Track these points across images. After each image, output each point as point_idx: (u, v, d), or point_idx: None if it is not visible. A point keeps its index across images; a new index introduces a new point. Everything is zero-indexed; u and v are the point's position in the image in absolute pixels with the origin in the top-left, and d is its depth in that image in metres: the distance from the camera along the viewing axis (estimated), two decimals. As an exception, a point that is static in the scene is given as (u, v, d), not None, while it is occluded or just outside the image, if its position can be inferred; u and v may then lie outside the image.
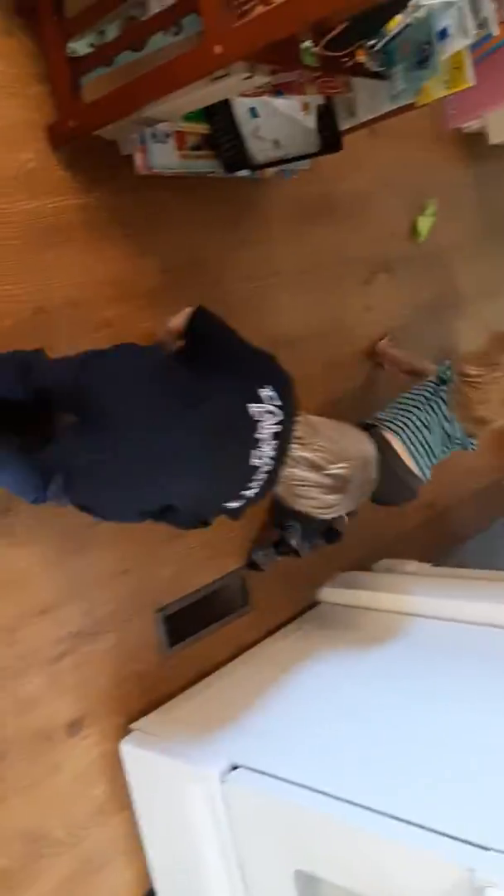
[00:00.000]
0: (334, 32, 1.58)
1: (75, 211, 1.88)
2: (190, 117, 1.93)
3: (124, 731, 1.91)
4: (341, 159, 2.57)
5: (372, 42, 1.72)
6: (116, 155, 1.93)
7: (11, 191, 1.77)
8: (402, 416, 2.24)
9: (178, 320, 1.73)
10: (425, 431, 2.24)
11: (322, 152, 2.14)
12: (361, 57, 1.72)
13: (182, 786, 1.71)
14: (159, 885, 1.93)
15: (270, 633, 2.26)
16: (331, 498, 1.61)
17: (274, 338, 2.32)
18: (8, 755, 1.76)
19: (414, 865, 1.38)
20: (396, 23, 1.64)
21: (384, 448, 2.14)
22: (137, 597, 1.99)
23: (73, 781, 1.88)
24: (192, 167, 1.98)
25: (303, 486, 1.59)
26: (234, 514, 1.61)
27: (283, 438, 1.55)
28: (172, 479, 1.52)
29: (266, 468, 1.54)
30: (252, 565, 2.25)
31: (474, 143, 3.16)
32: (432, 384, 2.30)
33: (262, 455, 1.53)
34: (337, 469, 1.58)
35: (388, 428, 2.21)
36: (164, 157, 1.91)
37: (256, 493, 1.57)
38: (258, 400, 1.53)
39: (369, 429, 2.15)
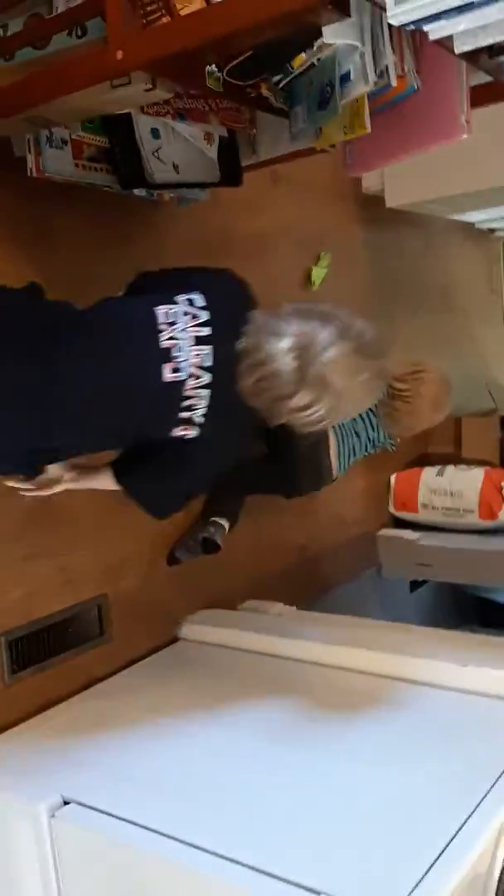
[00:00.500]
0: (239, 59, 1.59)
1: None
2: (89, 128, 1.90)
3: (-48, 761, 1.77)
4: (243, 200, 2.61)
5: (277, 77, 1.76)
6: (10, 156, 1.87)
7: None
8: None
9: None
10: (354, 438, 2.40)
11: (222, 184, 2.15)
12: (265, 90, 1.74)
13: (8, 819, 1.57)
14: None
15: (124, 667, 2.16)
16: (308, 397, 1.36)
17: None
18: None
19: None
20: (301, 60, 1.68)
21: (322, 441, 2.30)
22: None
23: None
24: (88, 178, 1.94)
25: (272, 381, 1.36)
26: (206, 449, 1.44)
27: (215, 342, 1.40)
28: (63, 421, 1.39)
29: (198, 382, 1.39)
30: (172, 560, 2.37)
31: (373, 205, 3.28)
32: None
33: (181, 365, 1.38)
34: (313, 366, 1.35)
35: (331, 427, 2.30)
36: (58, 163, 1.87)
37: (207, 420, 1.40)
38: (169, 303, 1.40)
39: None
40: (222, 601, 2.50)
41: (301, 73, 1.72)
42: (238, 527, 2.58)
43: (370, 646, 2.02)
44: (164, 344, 1.39)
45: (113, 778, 1.62)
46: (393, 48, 1.67)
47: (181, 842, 1.40)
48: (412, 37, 1.71)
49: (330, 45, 1.58)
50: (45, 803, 1.54)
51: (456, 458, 3.49)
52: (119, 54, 1.43)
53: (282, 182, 2.79)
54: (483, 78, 1.82)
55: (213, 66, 1.61)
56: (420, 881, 1.27)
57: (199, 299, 1.44)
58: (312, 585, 2.97)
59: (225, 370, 1.40)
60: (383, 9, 1.29)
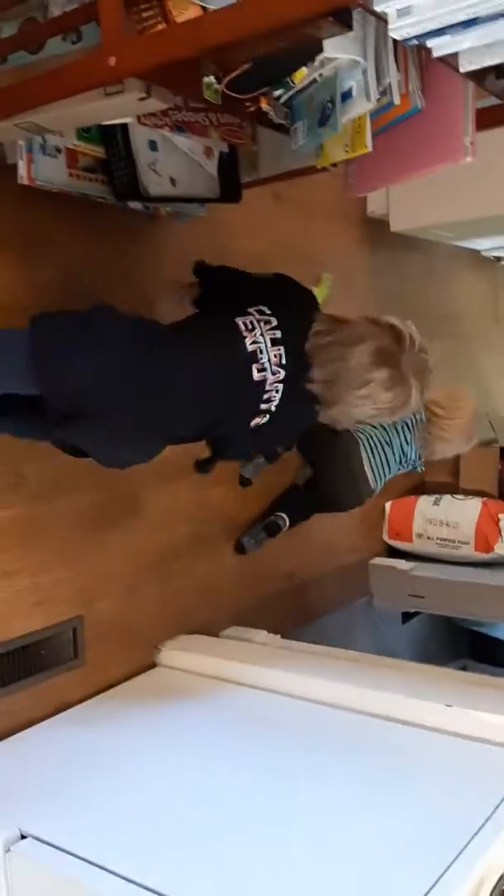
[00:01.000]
0: (238, 72, 1.54)
1: None
2: (85, 137, 1.86)
3: None
4: (242, 218, 2.56)
5: (278, 92, 1.71)
6: (3, 164, 1.82)
7: None
8: (371, 429, 2.48)
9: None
10: (387, 448, 2.49)
11: (221, 200, 2.10)
12: (265, 105, 1.70)
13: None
14: None
15: (99, 692, 2.09)
16: (388, 395, 1.57)
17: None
18: None
19: None
20: (302, 75, 1.63)
21: (352, 452, 2.44)
22: None
23: None
24: (81, 188, 1.89)
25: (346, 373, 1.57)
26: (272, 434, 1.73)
27: (286, 341, 1.61)
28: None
29: (277, 377, 1.61)
30: (239, 548, 2.56)
31: (377, 229, 3.24)
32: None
33: (265, 365, 1.60)
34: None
35: (358, 436, 2.46)
36: (51, 172, 1.82)
37: (278, 410, 1.64)
38: (245, 315, 1.61)
39: (339, 432, 2.35)
40: (205, 627, 2.43)
41: (302, 88, 1.67)
42: (225, 550, 2.53)
43: (352, 681, 1.95)
44: (250, 348, 1.60)
45: (75, 812, 1.55)
46: (397, 66, 1.63)
47: (138, 885, 1.32)
48: (417, 54, 1.67)
49: (332, 60, 1.53)
50: (1, 836, 1.46)
51: (454, 488, 3.43)
52: (112, 60, 1.38)
53: (284, 202, 2.75)
54: (491, 100, 1.78)
55: (212, 77, 1.57)
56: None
57: (265, 307, 1.65)
58: (300, 613, 2.89)
59: (296, 366, 1.61)
60: (385, 21, 1.24)
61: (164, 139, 1.92)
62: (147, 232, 2.23)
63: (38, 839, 1.46)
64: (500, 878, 1.42)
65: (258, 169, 2.08)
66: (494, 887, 1.41)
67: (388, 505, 3.35)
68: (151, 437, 1.65)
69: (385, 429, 2.50)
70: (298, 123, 1.75)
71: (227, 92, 1.58)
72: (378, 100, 1.59)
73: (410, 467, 2.60)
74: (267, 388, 1.62)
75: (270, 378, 1.61)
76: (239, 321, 1.61)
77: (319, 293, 2.97)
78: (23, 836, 1.48)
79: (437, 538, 3.23)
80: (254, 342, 1.60)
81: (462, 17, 1.20)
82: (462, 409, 2.42)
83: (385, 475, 2.53)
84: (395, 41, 1.38)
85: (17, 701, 1.91)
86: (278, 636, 2.44)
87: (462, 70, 1.42)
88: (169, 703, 2.01)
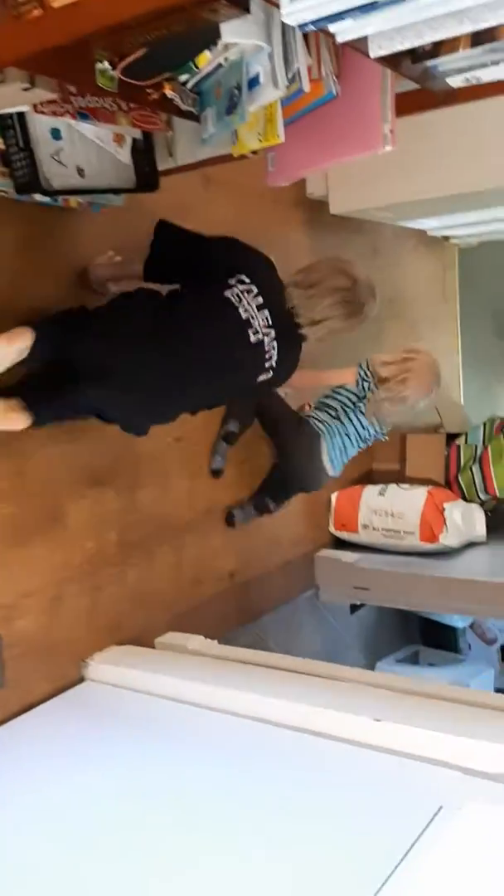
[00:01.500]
0: (132, 58, 1.42)
1: None
2: (-19, 127, 1.72)
3: None
4: (168, 204, 2.42)
5: (184, 78, 1.59)
6: None
7: None
8: (331, 420, 2.65)
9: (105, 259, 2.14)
10: (345, 439, 2.66)
11: (136, 190, 1.98)
12: (170, 91, 1.57)
13: None
14: None
15: (20, 713, 1.99)
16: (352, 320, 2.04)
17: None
18: None
19: None
20: (206, 60, 1.51)
21: (314, 443, 2.61)
22: None
23: None
24: (-21, 182, 1.76)
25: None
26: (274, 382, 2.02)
27: (269, 304, 1.89)
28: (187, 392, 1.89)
29: (270, 337, 1.89)
30: (230, 520, 2.68)
31: (317, 210, 3.12)
32: (353, 395, 2.67)
33: (258, 328, 1.87)
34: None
35: (319, 427, 2.62)
36: None
37: (278, 363, 1.92)
38: (229, 287, 1.86)
39: (302, 422, 2.63)
40: (140, 636, 2.34)
41: (209, 73, 1.55)
42: (158, 554, 2.43)
43: (281, 695, 1.87)
44: (244, 316, 1.85)
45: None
46: (309, 50, 1.52)
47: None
48: (332, 38, 1.55)
49: (235, 44, 1.42)
50: None
51: (400, 476, 3.37)
52: (-13, 48, 1.25)
53: (214, 185, 2.62)
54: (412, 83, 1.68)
55: (106, 63, 1.44)
56: None
57: (244, 276, 1.89)
58: (243, 613, 2.82)
59: (282, 321, 1.92)
60: (277, 6, 1.13)
61: (67, 127, 1.79)
62: (61, 224, 2.10)
63: None
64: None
65: (175, 156, 1.96)
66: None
67: (333, 496, 3.28)
68: (168, 406, 1.93)
69: (342, 421, 2.65)
70: (207, 111, 1.64)
71: (122, 78, 1.46)
72: (288, 86, 1.48)
73: (373, 440, 2.75)
74: (266, 347, 1.89)
75: (266, 340, 1.88)
76: (228, 294, 1.85)
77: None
78: None
79: (383, 529, 3.17)
80: (245, 310, 1.85)
81: (358, 1, 1.09)
82: (411, 364, 2.56)
83: (344, 460, 2.70)
84: (301, 24, 1.27)
85: None
86: (215, 642, 2.36)
87: (372, 55, 1.31)
88: (92, 723, 1.92)
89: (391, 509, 3.17)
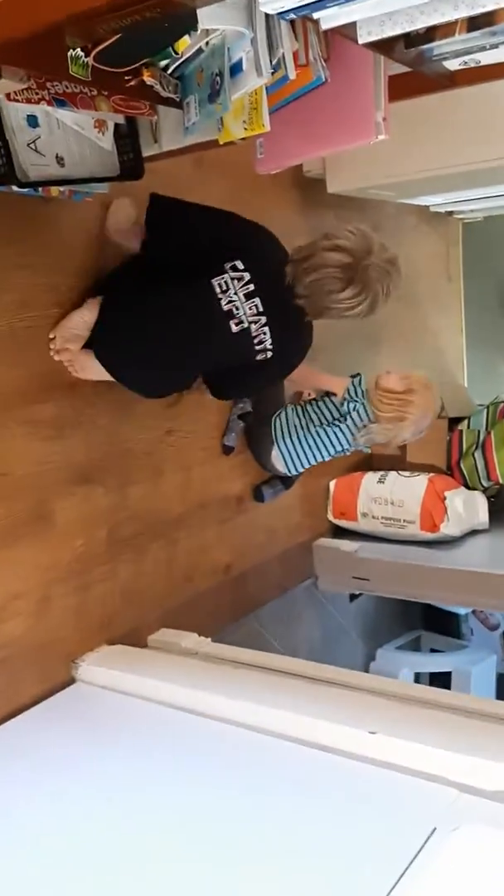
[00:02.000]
0: (107, 44, 1.33)
1: None
2: (-45, 115, 1.63)
3: None
4: (158, 186, 2.33)
5: (164, 62, 1.50)
6: None
7: None
8: (297, 430, 2.61)
9: (124, 214, 2.11)
10: (315, 452, 2.61)
11: (120, 178, 1.89)
12: (149, 78, 1.48)
13: None
14: None
15: (12, 716, 1.95)
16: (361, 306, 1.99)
17: (50, 383, 2.05)
18: None
19: None
20: (186, 45, 1.42)
21: (266, 442, 2.63)
22: None
23: None
24: (-48, 173, 1.67)
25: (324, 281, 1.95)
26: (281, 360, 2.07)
27: (259, 291, 1.92)
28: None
29: (259, 323, 1.94)
30: (258, 495, 2.74)
31: (315, 189, 3.02)
32: (335, 410, 2.59)
33: (242, 319, 1.93)
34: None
35: (277, 435, 2.61)
36: None
37: (277, 343, 1.96)
38: (220, 274, 1.92)
39: (269, 419, 2.62)
40: (132, 633, 2.30)
41: (190, 58, 1.46)
42: (151, 550, 2.38)
43: (272, 702, 1.83)
44: (226, 308, 1.92)
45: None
46: (296, 34, 1.42)
47: None
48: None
49: (213, 29, 1.32)
50: None
51: (401, 463, 3.29)
52: None
53: (206, 166, 2.52)
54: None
55: (79, 50, 1.35)
56: None
57: (239, 263, 1.93)
58: (239, 606, 2.77)
59: (277, 304, 1.95)
60: (254, -7, 1.04)
61: (46, 114, 1.70)
62: (44, 215, 2.01)
63: None
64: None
65: (160, 142, 1.87)
66: None
67: (332, 483, 3.21)
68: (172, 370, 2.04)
69: (310, 433, 2.60)
70: (190, 97, 1.55)
71: (97, 66, 1.37)
72: (272, 73, 1.39)
73: (354, 450, 2.66)
74: (254, 333, 1.94)
75: (253, 327, 1.93)
76: (214, 283, 1.91)
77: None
78: None
79: (383, 517, 3.11)
80: (229, 301, 1.91)
81: (341, -13, 1.00)
82: (409, 403, 2.45)
83: (302, 466, 2.67)
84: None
85: None
86: (208, 640, 2.32)
87: (361, 42, 1.23)
88: (82, 729, 1.89)
89: (391, 497, 3.10)
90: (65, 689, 2.07)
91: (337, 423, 2.57)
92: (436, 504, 3.02)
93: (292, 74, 1.37)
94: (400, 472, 3.17)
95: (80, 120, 1.73)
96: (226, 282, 1.91)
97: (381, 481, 3.15)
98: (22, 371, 1.98)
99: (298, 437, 2.62)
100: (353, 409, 2.52)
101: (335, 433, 2.58)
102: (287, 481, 2.84)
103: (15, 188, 1.76)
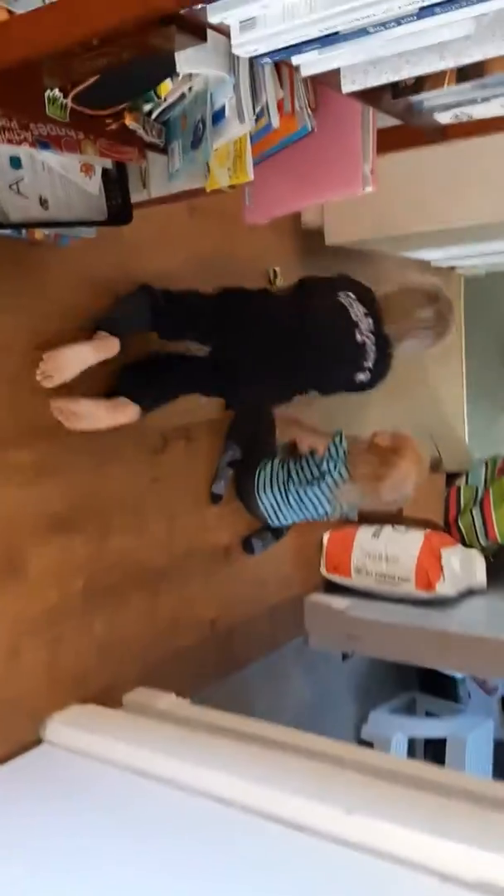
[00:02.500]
0: (84, 85, 1.30)
1: None
2: None
3: None
4: (150, 234, 2.31)
5: (148, 107, 1.47)
6: None
7: None
8: (280, 485, 2.53)
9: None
10: (295, 511, 2.54)
11: (108, 223, 1.85)
12: (131, 122, 1.45)
13: None
14: None
15: (-30, 779, 1.85)
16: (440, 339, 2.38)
17: (30, 427, 1.99)
18: None
19: None
20: (168, 89, 1.39)
21: (250, 494, 2.57)
22: None
23: None
24: None
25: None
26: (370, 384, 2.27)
27: (372, 315, 2.19)
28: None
29: (371, 341, 2.18)
30: (248, 547, 2.65)
31: (314, 240, 2.99)
32: (316, 469, 2.51)
33: (363, 330, 2.17)
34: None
35: (260, 486, 2.53)
36: None
37: (375, 365, 2.22)
38: (338, 297, 2.19)
39: (254, 468, 2.55)
40: (107, 691, 2.20)
41: (173, 103, 1.43)
42: (131, 603, 2.29)
43: (247, 774, 1.72)
44: (354, 318, 2.17)
45: None
46: (281, 82, 1.39)
47: None
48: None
49: (194, 73, 1.29)
50: None
51: (396, 517, 3.20)
52: None
53: (200, 214, 2.49)
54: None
55: (58, 91, 1.32)
56: None
57: (350, 293, 2.21)
58: (226, 662, 2.66)
59: (380, 334, 2.21)
60: (228, 36, 1.00)
61: (28, 155, 1.66)
62: (28, 258, 1.97)
63: None
64: None
65: (148, 188, 1.83)
66: None
67: (326, 536, 3.12)
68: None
69: (290, 493, 2.53)
70: (174, 143, 1.51)
71: (76, 107, 1.33)
72: (256, 121, 1.35)
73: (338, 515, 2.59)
74: (367, 349, 2.17)
75: (368, 342, 2.16)
76: (341, 299, 2.17)
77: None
78: None
79: (377, 573, 3.01)
80: (355, 314, 2.16)
81: (315, 32, 0.95)
82: (392, 467, 2.38)
83: (285, 520, 2.61)
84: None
85: None
86: (187, 701, 2.21)
87: (345, 90, 1.18)
88: (39, 796, 1.77)
89: (385, 553, 3.01)
90: (30, 751, 1.96)
91: (315, 482, 2.47)
92: (431, 562, 2.92)
93: (276, 123, 1.33)
94: (395, 526, 3.08)
95: (65, 163, 1.70)
96: (348, 301, 2.18)
97: (375, 536, 3.05)
98: (1, 414, 1.92)
99: (280, 493, 2.54)
100: (334, 469, 2.44)
101: (315, 494, 2.49)
102: (277, 532, 2.75)
103: (-2, 230, 1.73)
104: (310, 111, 1.41)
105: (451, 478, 3.34)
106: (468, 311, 4.10)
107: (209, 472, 2.54)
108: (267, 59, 1.02)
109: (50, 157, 1.67)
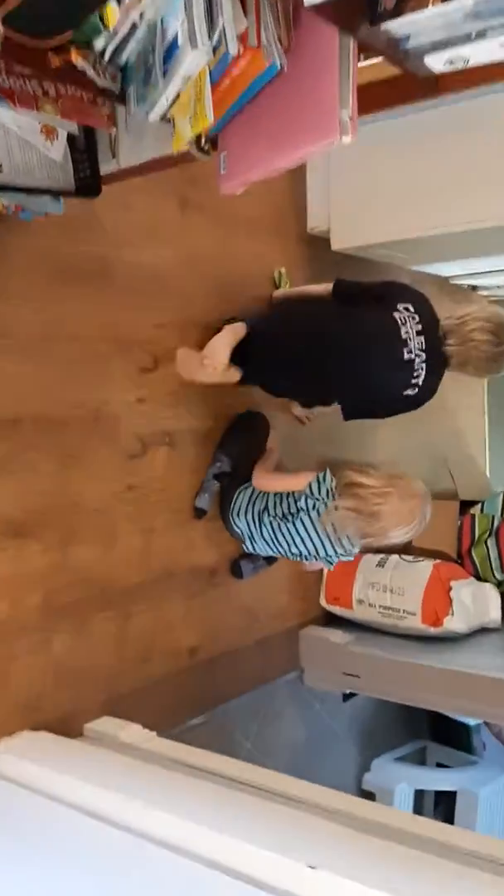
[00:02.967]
0: (15, 3, 1.14)
1: None
2: None
3: None
4: (133, 224, 2.16)
5: (99, 44, 1.30)
6: None
7: None
8: (256, 513, 2.30)
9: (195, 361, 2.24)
10: (270, 545, 2.31)
11: (75, 194, 1.69)
12: (78, 60, 1.29)
13: None
14: None
15: None
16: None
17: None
18: None
19: None
20: (115, 18, 1.22)
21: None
22: None
23: None
24: None
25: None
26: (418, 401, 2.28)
27: (426, 332, 2.19)
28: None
29: (420, 359, 2.18)
30: (236, 570, 2.49)
31: (322, 248, 2.82)
32: (294, 503, 2.23)
33: (412, 349, 2.17)
34: None
35: (235, 508, 2.33)
36: None
37: (424, 382, 2.21)
38: (397, 310, 2.19)
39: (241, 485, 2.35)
40: (65, 719, 1.99)
41: (126, 38, 1.27)
42: (96, 623, 2.08)
43: (205, 819, 1.49)
44: (403, 336, 2.17)
45: None
46: (246, 11, 1.22)
47: None
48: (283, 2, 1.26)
49: (141, -8, 1.13)
50: None
51: (404, 546, 2.96)
52: None
53: (194, 209, 2.34)
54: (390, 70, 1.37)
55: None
56: None
57: (410, 306, 2.21)
58: (206, 696, 2.43)
59: (433, 349, 2.21)
60: None
61: (-19, 113, 1.51)
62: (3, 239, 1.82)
63: None
64: None
65: (118, 158, 1.67)
66: None
67: (326, 564, 2.89)
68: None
69: (262, 516, 2.28)
70: (130, 88, 1.34)
71: (7, 33, 1.18)
72: (215, 49, 1.18)
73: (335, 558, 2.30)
74: (415, 367, 2.18)
75: (417, 360, 2.16)
76: (395, 315, 2.17)
77: (285, 286, 2.67)
78: None
79: (380, 606, 2.77)
80: (406, 332, 2.16)
81: None
82: (382, 503, 2.06)
83: (261, 550, 2.38)
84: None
85: None
86: (153, 733, 1.99)
87: (307, 3, 1.01)
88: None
89: (390, 584, 2.77)
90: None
91: (290, 518, 2.21)
92: (440, 594, 2.68)
93: (234, 50, 1.16)
94: (402, 555, 2.84)
95: (21, 122, 1.54)
96: (403, 317, 2.17)
97: (380, 565, 2.82)
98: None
99: (254, 522, 2.29)
100: (311, 508, 2.17)
101: (287, 531, 2.23)
102: (270, 557, 2.52)
103: None
104: (279, 47, 1.24)
105: (466, 506, 3.10)
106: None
107: (194, 483, 2.34)
108: None
109: (3, 114, 1.51)
